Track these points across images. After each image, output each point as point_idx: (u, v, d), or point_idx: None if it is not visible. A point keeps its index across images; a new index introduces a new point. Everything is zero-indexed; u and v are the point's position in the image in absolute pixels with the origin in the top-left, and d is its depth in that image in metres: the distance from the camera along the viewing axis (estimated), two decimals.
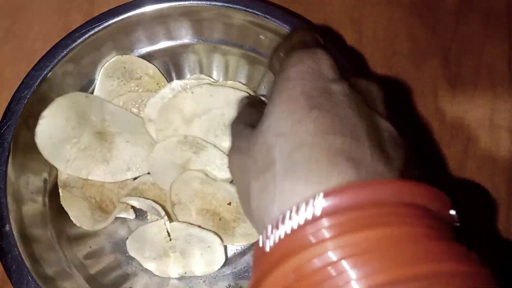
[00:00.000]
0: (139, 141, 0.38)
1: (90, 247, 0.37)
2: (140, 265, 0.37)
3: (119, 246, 0.38)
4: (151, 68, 0.40)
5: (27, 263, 0.30)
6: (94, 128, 0.37)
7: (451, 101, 0.44)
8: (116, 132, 0.37)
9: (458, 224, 0.21)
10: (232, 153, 0.25)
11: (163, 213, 0.35)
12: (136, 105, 0.39)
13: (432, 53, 0.45)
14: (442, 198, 0.20)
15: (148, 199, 0.37)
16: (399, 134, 0.23)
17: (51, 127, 0.35)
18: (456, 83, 0.44)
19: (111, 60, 0.39)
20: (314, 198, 0.19)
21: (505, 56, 0.45)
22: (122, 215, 0.37)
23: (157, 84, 0.40)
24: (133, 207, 0.37)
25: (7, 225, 0.31)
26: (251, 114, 0.27)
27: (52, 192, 0.35)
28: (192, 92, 0.38)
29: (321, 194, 0.19)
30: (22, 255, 0.30)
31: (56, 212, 0.36)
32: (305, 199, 0.19)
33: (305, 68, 0.23)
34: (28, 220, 0.33)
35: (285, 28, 0.35)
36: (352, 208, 0.19)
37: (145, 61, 0.40)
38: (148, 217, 0.39)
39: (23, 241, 0.31)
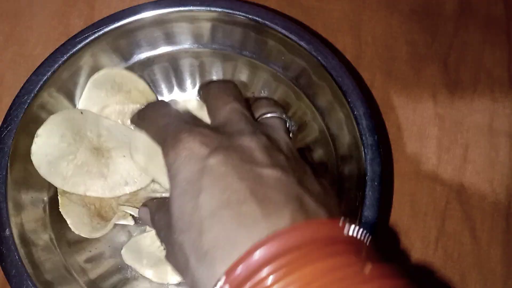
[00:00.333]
0: None
1: (90, 251, 0.37)
2: None
3: (119, 251, 0.38)
4: (141, 84, 0.40)
5: (27, 267, 0.30)
6: (90, 144, 0.37)
7: (450, 106, 0.44)
8: (113, 147, 0.37)
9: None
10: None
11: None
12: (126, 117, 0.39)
13: (431, 58, 0.45)
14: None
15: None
16: (279, 177, 0.24)
17: (46, 145, 0.35)
18: (455, 88, 0.45)
19: (100, 73, 0.38)
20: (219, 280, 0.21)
21: (504, 61, 0.45)
22: (122, 222, 0.37)
23: (146, 99, 0.40)
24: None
25: (7, 229, 0.31)
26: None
27: (52, 197, 0.35)
28: None
29: (223, 278, 0.21)
30: (22, 260, 0.30)
31: (56, 216, 0.35)
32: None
33: (184, 153, 0.25)
34: (28, 225, 0.33)
35: (284, 34, 0.35)
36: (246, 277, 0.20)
37: (135, 76, 0.39)
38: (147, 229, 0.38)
39: (23, 245, 0.31)
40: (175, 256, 0.24)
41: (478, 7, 0.47)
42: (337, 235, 0.21)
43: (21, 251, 0.31)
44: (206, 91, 0.33)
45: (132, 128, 0.38)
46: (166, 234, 0.26)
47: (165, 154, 0.26)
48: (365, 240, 0.22)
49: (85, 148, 0.36)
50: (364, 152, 0.33)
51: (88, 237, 0.35)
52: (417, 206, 0.41)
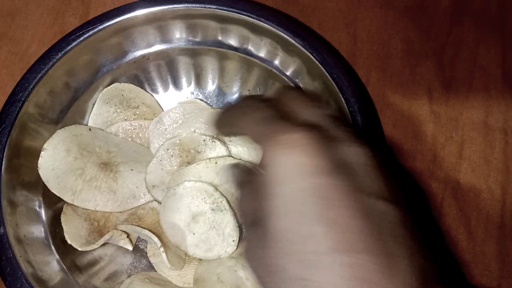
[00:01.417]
0: (144, 168, 0.38)
1: (86, 252, 0.36)
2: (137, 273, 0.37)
3: (117, 255, 0.38)
4: (148, 97, 0.41)
5: (22, 266, 0.30)
6: (99, 159, 0.37)
7: (446, 103, 0.44)
8: (121, 162, 0.38)
9: None
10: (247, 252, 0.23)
11: (159, 244, 0.35)
12: (135, 133, 0.39)
13: (426, 55, 0.46)
14: None
15: (144, 228, 0.36)
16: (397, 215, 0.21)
17: (52, 159, 0.35)
18: (450, 85, 0.45)
19: (110, 87, 0.39)
20: None
21: (499, 58, 0.46)
22: (120, 244, 0.36)
23: (154, 114, 0.40)
24: (128, 236, 0.37)
25: (1, 227, 0.31)
26: (251, 194, 0.24)
27: (47, 195, 0.35)
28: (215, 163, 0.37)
29: None
30: (17, 258, 0.30)
31: (52, 216, 0.35)
32: None
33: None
34: (23, 223, 0.33)
35: (279, 31, 0.35)
36: None
37: (142, 90, 0.40)
38: (149, 243, 0.38)
39: (18, 244, 0.31)
40: (265, 269, 0.22)
41: (473, 4, 0.48)
42: None
43: (16, 250, 0.31)
44: (281, 95, 0.27)
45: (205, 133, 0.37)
46: (255, 234, 0.23)
47: (266, 148, 0.22)
48: None
49: (93, 163, 0.37)
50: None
51: (78, 248, 0.35)
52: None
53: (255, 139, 0.24)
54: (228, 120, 0.27)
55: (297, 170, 0.21)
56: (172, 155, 0.37)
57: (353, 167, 0.21)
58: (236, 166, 0.27)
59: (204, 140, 0.38)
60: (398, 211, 0.21)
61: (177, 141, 0.37)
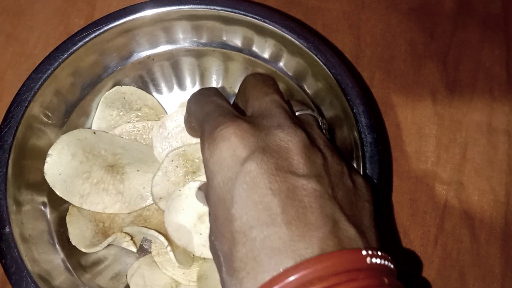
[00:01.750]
0: (150, 169, 0.38)
1: (92, 252, 0.37)
2: None
3: (122, 255, 0.38)
4: (150, 99, 0.41)
5: (27, 264, 0.30)
6: (104, 161, 0.37)
7: (449, 104, 0.44)
8: (127, 163, 0.38)
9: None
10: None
11: (166, 243, 0.35)
12: (139, 134, 0.40)
13: (430, 57, 0.46)
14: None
15: (150, 228, 0.36)
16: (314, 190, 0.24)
17: (58, 164, 0.35)
18: (454, 87, 0.45)
19: (111, 91, 0.39)
20: None
21: (503, 60, 0.46)
22: (124, 246, 0.36)
23: (157, 115, 0.41)
24: (132, 238, 0.37)
25: (7, 227, 0.31)
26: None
27: (52, 195, 0.35)
28: None
29: None
30: (22, 257, 0.30)
31: (57, 215, 0.36)
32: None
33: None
34: (28, 222, 0.33)
35: (283, 33, 0.35)
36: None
37: (144, 92, 0.41)
38: (153, 242, 0.38)
39: (23, 243, 0.31)
40: (213, 252, 0.25)
41: (477, 5, 0.48)
42: (361, 266, 0.21)
43: (21, 248, 0.31)
44: (244, 82, 0.32)
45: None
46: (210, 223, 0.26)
47: (203, 145, 0.25)
48: (388, 267, 0.23)
49: (99, 166, 0.37)
50: (363, 150, 0.33)
51: (82, 250, 0.35)
52: (416, 205, 0.41)
53: (200, 135, 0.27)
54: (188, 114, 0.31)
55: (226, 160, 0.24)
56: (177, 166, 0.37)
57: (279, 150, 0.24)
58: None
59: None
60: (315, 184, 0.23)
61: (181, 152, 0.37)
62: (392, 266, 0.23)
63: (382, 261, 0.22)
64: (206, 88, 0.31)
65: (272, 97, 0.28)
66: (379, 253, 0.22)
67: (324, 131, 0.31)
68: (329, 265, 0.21)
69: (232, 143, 0.24)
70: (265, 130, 0.25)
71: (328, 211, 0.23)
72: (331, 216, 0.23)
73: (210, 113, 0.27)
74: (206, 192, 0.27)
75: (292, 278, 0.21)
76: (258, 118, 0.27)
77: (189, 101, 0.31)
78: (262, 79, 0.31)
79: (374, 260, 0.22)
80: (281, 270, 0.21)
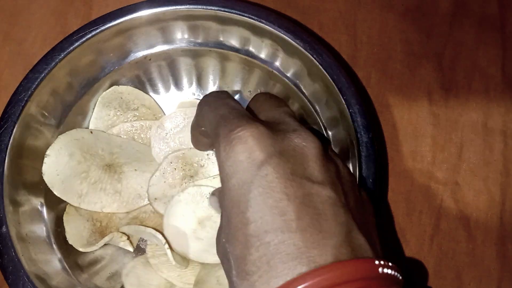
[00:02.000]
0: (147, 168, 0.38)
1: (89, 252, 0.37)
2: None
3: (119, 255, 0.38)
4: (147, 99, 0.41)
5: (24, 264, 0.30)
6: (102, 161, 0.37)
7: (445, 105, 0.44)
8: (124, 162, 0.38)
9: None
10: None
11: (163, 241, 0.35)
12: (136, 134, 0.40)
13: (426, 57, 0.46)
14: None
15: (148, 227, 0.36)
16: (331, 198, 0.24)
17: (56, 164, 0.35)
18: (450, 87, 0.45)
19: (108, 90, 0.39)
20: None
21: (498, 60, 0.46)
22: (121, 245, 0.36)
23: (154, 115, 0.41)
24: (129, 238, 0.37)
25: (4, 226, 0.31)
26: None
27: (50, 195, 0.35)
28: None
29: None
30: (19, 256, 0.30)
31: (54, 215, 0.36)
32: None
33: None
34: (25, 222, 0.33)
35: (280, 33, 0.36)
36: None
37: (141, 92, 0.41)
38: (148, 244, 0.38)
39: (20, 242, 0.31)
40: (222, 255, 0.25)
41: (473, 6, 0.48)
42: (374, 275, 0.22)
43: (18, 248, 0.31)
44: (254, 99, 0.32)
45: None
46: (220, 227, 0.26)
47: (219, 147, 0.25)
48: (397, 277, 0.23)
49: (97, 165, 0.37)
50: (359, 150, 0.33)
51: (79, 249, 0.35)
52: (412, 204, 0.41)
53: (214, 138, 0.26)
54: (199, 118, 0.30)
55: (242, 163, 0.24)
56: (175, 168, 0.37)
57: (295, 155, 0.24)
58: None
59: (207, 154, 0.38)
60: (329, 191, 0.24)
61: (181, 155, 0.38)
62: (400, 277, 0.23)
63: (393, 272, 0.22)
64: (219, 91, 0.31)
65: (284, 109, 0.29)
66: (390, 263, 0.23)
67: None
68: (343, 273, 0.21)
69: (249, 145, 0.24)
70: (281, 134, 0.25)
71: (342, 219, 0.23)
72: (344, 224, 0.23)
73: (225, 115, 0.26)
74: (220, 195, 0.27)
75: (305, 284, 0.20)
76: (273, 124, 0.27)
77: (201, 104, 0.30)
78: (273, 96, 0.32)
79: (385, 270, 0.22)
80: (295, 276, 0.21)
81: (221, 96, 0.29)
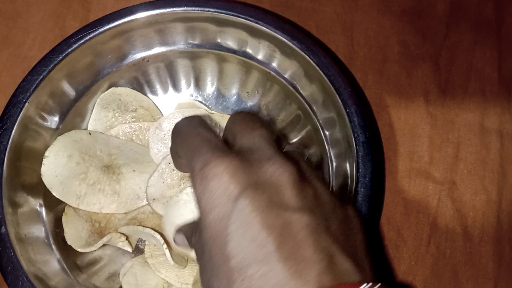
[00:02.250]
0: (146, 169, 0.39)
1: (87, 253, 0.37)
2: None
3: (118, 256, 0.38)
4: (145, 100, 0.41)
5: (23, 264, 0.31)
6: (100, 162, 0.37)
7: (442, 105, 0.44)
8: (123, 163, 0.38)
9: None
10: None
11: (162, 241, 0.35)
12: (135, 135, 0.40)
13: (423, 58, 0.46)
14: None
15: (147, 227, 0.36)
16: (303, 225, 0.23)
17: (55, 166, 0.35)
18: (447, 88, 0.45)
19: (107, 92, 0.40)
20: None
21: (494, 61, 0.46)
22: (119, 246, 0.37)
23: (152, 116, 0.41)
24: (128, 239, 0.37)
25: (3, 227, 0.31)
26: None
27: (49, 196, 0.36)
28: None
29: None
30: (18, 257, 0.31)
31: (53, 215, 0.36)
32: None
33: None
34: (24, 223, 0.33)
35: (277, 34, 0.36)
36: None
37: (140, 93, 0.41)
38: (146, 245, 0.38)
39: (19, 243, 0.32)
40: None
41: (469, 7, 0.48)
42: None
43: (17, 249, 0.31)
44: (230, 119, 0.31)
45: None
46: (200, 261, 0.26)
47: (194, 182, 0.25)
48: None
49: (95, 167, 0.37)
50: (356, 149, 0.33)
51: (77, 249, 0.35)
52: (409, 204, 0.41)
53: (189, 171, 0.26)
54: (174, 147, 0.30)
55: (219, 198, 0.24)
56: (173, 169, 0.37)
57: (270, 185, 0.24)
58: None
59: None
60: (308, 218, 0.23)
61: None
62: None
63: None
64: (190, 117, 0.30)
65: (260, 132, 0.28)
66: (378, 283, 0.22)
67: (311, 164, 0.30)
68: None
69: (224, 180, 0.24)
70: (255, 164, 0.25)
71: (323, 244, 0.23)
72: (326, 249, 0.23)
73: (198, 148, 0.26)
74: (195, 231, 0.27)
75: None
76: (247, 152, 0.26)
77: (174, 133, 0.30)
78: (248, 116, 0.31)
79: None
80: None
81: (192, 124, 0.29)
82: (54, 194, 0.35)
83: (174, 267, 0.36)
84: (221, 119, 0.40)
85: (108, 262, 0.37)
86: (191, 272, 0.36)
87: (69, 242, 0.35)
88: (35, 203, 0.35)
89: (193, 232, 0.29)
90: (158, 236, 0.35)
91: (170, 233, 0.36)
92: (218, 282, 0.23)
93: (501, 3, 0.48)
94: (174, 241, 0.32)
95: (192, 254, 0.35)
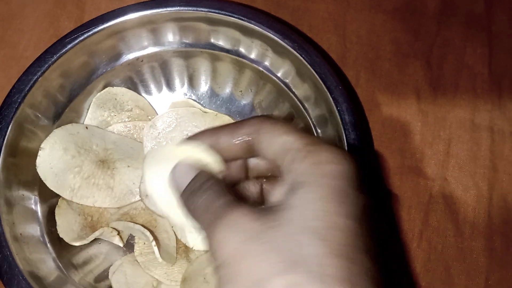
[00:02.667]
0: (140, 165, 0.39)
1: (81, 249, 0.37)
2: None
3: (113, 253, 0.38)
4: (141, 100, 0.42)
5: (19, 263, 0.31)
6: (96, 156, 0.38)
7: (433, 102, 0.45)
8: (118, 158, 0.38)
9: None
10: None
11: (151, 238, 0.35)
12: (130, 134, 0.40)
13: (415, 56, 0.47)
14: None
15: (137, 223, 0.37)
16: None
17: (50, 158, 0.36)
18: (438, 85, 0.46)
19: (103, 91, 0.40)
20: None
21: (485, 58, 0.47)
22: (110, 240, 0.37)
23: (148, 116, 0.41)
24: (119, 233, 0.37)
25: None
26: None
27: (43, 193, 0.36)
28: None
29: None
30: (14, 255, 0.31)
31: (47, 214, 0.36)
32: None
33: None
34: (19, 222, 0.33)
35: (269, 33, 0.36)
36: None
37: (135, 93, 0.41)
38: (136, 243, 0.38)
39: (14, 242, 0.32)
40: None
41: (460, 5, 0.49)
42: None
43: (13, 248, 0.31)
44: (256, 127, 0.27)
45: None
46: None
47: (212, 252, 0.23)
48: None
49: (90, 160, 0.37)
50: (347, 147, 0.34)
51: (69, 242, 0.35)
52: (401, 200, 0.42)
53: (201, 226, 0.25)
54: (184, 202, 0.27)
55: (232, 257, 0.22)
56: None
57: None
58: None
59: None
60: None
61: None
62: None
63: None
64: (199, 176, 0.26)
65: (293, 138, 0.25)
66: None
67: None
68: None
69: (240, 236, 0.22)
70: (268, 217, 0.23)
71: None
72: None
73: (207, 208, 0.24)
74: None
75: None
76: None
77: (185, 193, 0.27)
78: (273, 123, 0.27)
79: None
80: None
81: (197, 184, 0.26)
82: (48, 185, 0.35)
83: (162, 264, 0.36)
84: (215, 118, 0.41)
85: (103, 261, 0.38)
86: (180, 269, 0.37)
87: (61, 235, 0.35)
88: (30, 202, 0.35)
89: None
90: (148, 233, 0.35)
91: (152, 191, 0.33)
92: None
93: (491, 0, 0.49)
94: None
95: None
